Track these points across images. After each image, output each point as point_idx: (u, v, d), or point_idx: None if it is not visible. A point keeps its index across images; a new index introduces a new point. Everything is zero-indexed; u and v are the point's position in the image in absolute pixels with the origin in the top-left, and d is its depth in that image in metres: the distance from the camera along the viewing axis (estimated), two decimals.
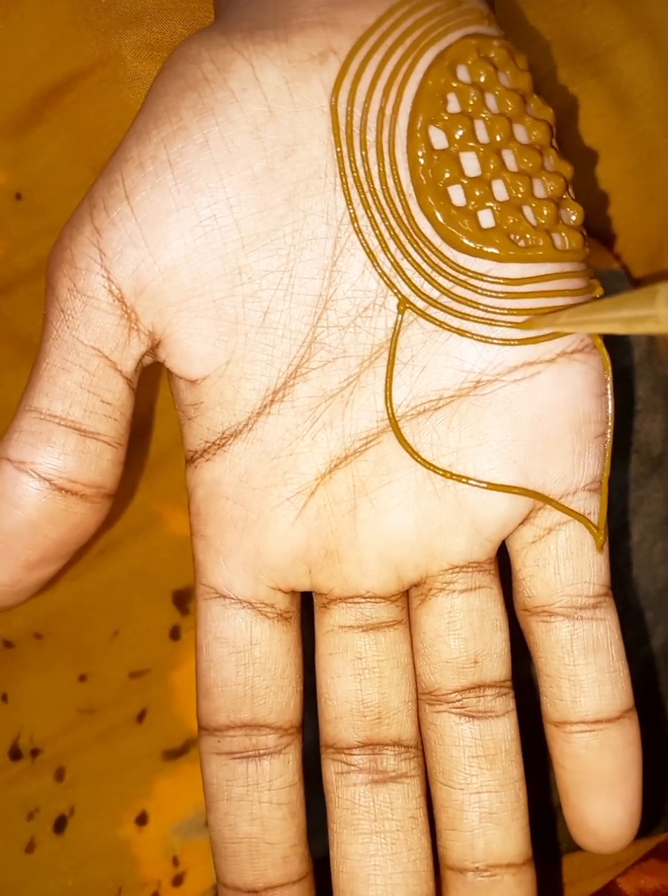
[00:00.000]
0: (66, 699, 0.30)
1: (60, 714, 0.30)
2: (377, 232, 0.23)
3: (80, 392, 0.23)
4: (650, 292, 0.21)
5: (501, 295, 0.23)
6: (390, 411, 0.24)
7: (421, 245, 0.23)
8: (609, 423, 0.24)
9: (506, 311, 0.23)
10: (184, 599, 0.30)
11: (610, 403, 0.24)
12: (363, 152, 0.23)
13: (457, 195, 0.23)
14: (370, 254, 0.23)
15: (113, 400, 0.24)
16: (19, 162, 0.29)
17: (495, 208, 0.23)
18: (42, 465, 0.23)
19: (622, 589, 0.28)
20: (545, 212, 0.24)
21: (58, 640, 0.30)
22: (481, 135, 0.23)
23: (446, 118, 0.23)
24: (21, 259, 0.30)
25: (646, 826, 0.25)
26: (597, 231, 0.30)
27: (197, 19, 0.29)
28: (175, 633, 0.30)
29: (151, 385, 0.30)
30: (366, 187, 0.23)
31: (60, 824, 0.29)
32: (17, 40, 0.29)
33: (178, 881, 0.29)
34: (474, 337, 0.24)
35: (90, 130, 0.29)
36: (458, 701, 0.24)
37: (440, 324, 0.24)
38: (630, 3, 0.30)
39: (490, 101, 0.24)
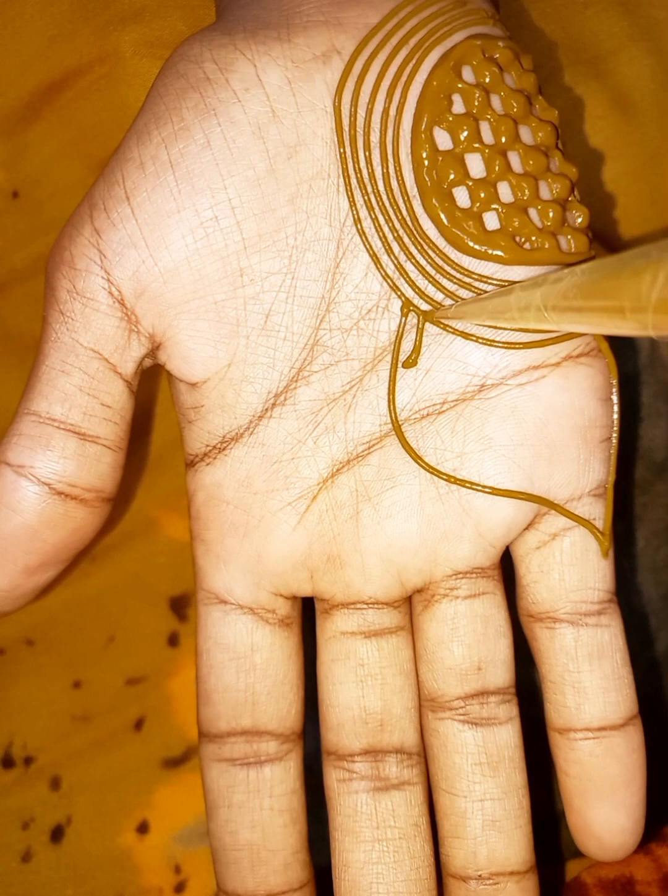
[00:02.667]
0: (59, 706, 0.29)
1: (54, 722, 0.29)
2: (381, 234, 0.23)
3: (79, 395, 0.23)
4: (509, 289, 0.21)
5: None
6: (393, 415, 0.24)
7: (425, 247, 0.23)
8: (615, 428, 0.24)
9: None
10: (181, 605, 0.30)
11: (616, 408, 0.24)
12: (367, 153, 0.23)
13: (462, 197, 0.23)
14: (374, 256, 0.23)
15: (113, 403, 0.23)
16: (16, 159, 0.29)
17: (500, 210, 0.23)
18: (41, 469, 0.23)
19: (626, 594, 0.28)
20: (551, 214, 0.23)
21: (50, 646, 0.29)
22: (487, 136, 0.23)
23: (450, 119, 0.23)
24: (17, 258, 0.29)
25: (650, 831, 0.25)
26: (599, 233, 0.30)
27: (197, 16, 0.29)
28: (174, 640, 0.29)
29: (149, 388, 0.29)
30: (369, 189, 0.23)
31: (57, 834, 0.29)
32: (14, 36, 0.28)
33: (180, 888, 0.28)
34: (479, 340, 0.23)
35: (88, 128, 0.29)
36: (461, 708, 0.24)
37: (444, 327, 0.23)
38: (633, 4, 0.30)
39: (495, 102, 0.23)
